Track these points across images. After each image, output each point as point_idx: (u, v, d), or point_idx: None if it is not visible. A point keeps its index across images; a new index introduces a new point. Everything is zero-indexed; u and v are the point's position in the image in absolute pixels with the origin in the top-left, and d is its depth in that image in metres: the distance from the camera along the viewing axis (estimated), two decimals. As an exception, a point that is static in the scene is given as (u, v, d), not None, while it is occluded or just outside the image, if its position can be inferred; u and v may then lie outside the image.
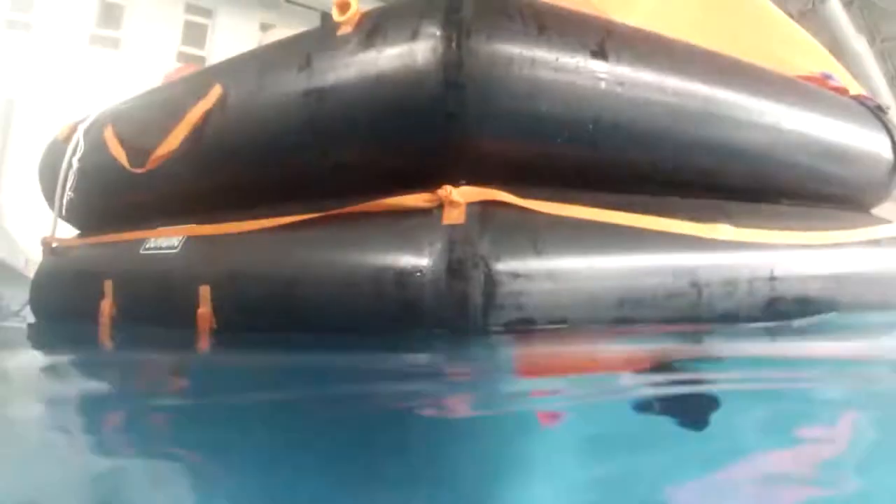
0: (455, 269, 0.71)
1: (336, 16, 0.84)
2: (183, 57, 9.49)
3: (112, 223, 1.24)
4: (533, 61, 0.79)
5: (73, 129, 1.33)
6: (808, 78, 1.31)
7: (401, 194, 0.79)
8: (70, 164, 1.24)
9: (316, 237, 0.84)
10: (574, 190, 0.87)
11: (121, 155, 1.09)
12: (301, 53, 0.87)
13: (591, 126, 0.86)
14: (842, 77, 1.53)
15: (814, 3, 8.16)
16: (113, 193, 1.20)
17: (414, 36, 0.77)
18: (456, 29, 0.75)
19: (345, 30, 0.83)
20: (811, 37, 1.66)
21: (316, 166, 0.90)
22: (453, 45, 0.74)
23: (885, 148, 1.34)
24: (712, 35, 1.65)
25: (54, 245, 1.40)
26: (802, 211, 1.20)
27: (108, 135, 1.16)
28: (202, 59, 9.71)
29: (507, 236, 0.75)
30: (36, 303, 1.43)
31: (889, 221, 1.35)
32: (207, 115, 0.95)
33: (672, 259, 0.88)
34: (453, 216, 0.73)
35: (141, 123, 1.13)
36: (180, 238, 1.02)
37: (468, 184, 0.77)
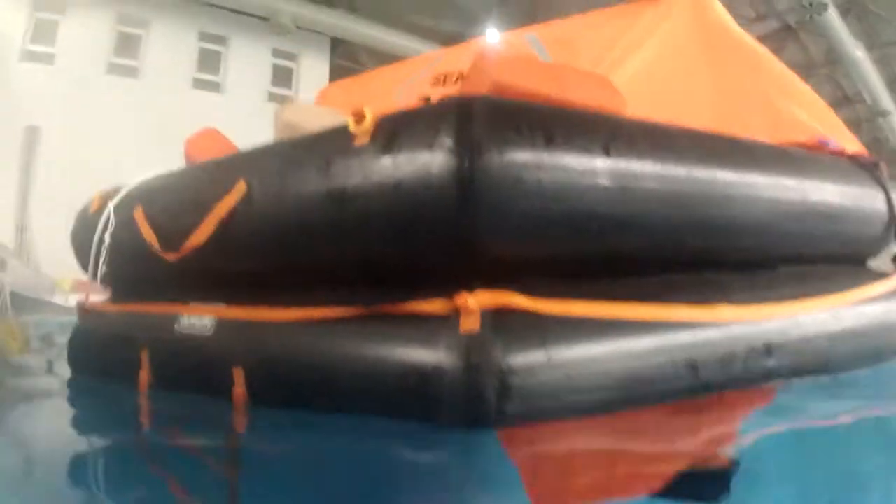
0: (472, 372, 0.78)
1: (352, 126, 0.91)
2: (199, 83, 9.75)
3: (145, 294, 1.33)
4: (541, 171, 0.85)
5: (103, 203, 1.41)
6: (805, 144, 1.36)
7: (421, 293, 0.86)
8: (102, 239, 1.32)
9: (344, 332, 0.91)
10: (581, 281, 0.94)
11: (153, 239, 1.17)
12: (321, 158, 0.94)
13: (596, 223, 0.92)
14: (839, 132, 1.58)
15: (811, 16, 8.19)
16: (145, 270, 1.28)
17: (428, 150, 0.84)
18: (468, 145, 0.81)
19: (361, 140, 0.89)
20: (809, 88, 1.71)
21: (339, 261, 0.98)
22: (466, 161, 0.81)
23: (881, 204, 1.39)
24: (713, 83, 1.72)
25: (89, 308, 1.48)
26: (799, 274, 1.25)
27: (139, 215, 1.24)
28: (217, 84, 9.97)
29: (518, 338, 0.82)
30: (74, 360, 1.51)
31: (883, 275, 1.40)
32: (233, 211, 1.03)
33: (670, 344, 0.94)
34: (468, 323, 0.80)
35: (169, 210, 1.21)
36: (213, 319, 1.10)
37: (483, 284, 0.84)
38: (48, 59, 8.72)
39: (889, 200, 1.39)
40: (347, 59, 11.58)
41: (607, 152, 0.92)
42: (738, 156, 1.15)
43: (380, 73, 2.91)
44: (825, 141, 1.38)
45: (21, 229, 8.29)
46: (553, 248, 0.91)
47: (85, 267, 1.48)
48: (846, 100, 12.36)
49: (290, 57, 10.68)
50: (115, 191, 1.44)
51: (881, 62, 10.36)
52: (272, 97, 10.48)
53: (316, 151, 0.97)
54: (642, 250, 1.01)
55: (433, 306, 0.84)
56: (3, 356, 1.86)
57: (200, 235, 1.06)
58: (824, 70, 11.11)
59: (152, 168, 1.46)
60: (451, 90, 2.31)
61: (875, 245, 1.44)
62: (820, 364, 1.17)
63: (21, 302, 3.31)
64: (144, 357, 1.21)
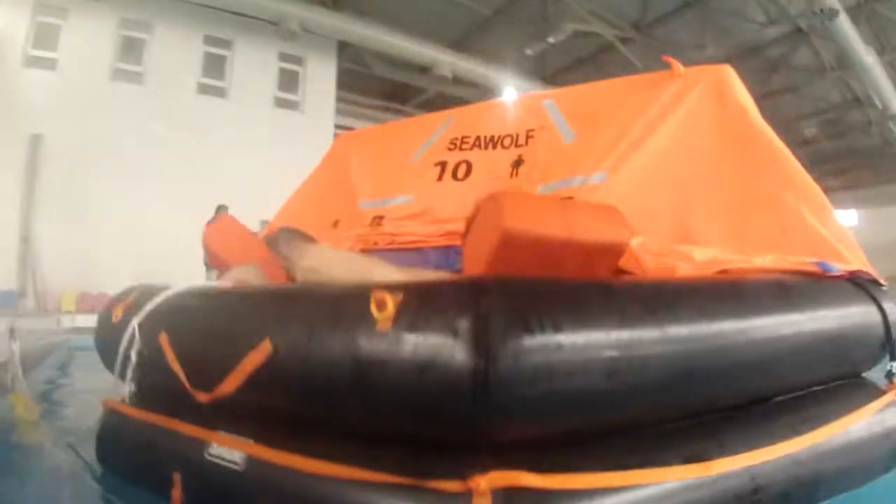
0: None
1: (374, 312, 0.97)
2: (204, 88, 9.72)
3: (172, 409, 1.38)
4: (554, 356, 0.91)
5: (126, 317, 1.45)
6: (806, 272, 1.39)
7: (438, 464, 0.93)
8: (128, 356, 1.38)
9: (367, 494, 0.98)
10: (583, 447, 1.01)
11: (181, 374, 1.23)
12: (345, 335, 1.00)
13: (603, 395, 0.98)
14: (841, 235, 1.61)
15: (822, 22, 8.10)
16: (173, 391, 1.33)
17: (446, 340, 0.90)
18: (484, 348, 0.88)
19: (384, 326, 0.96)
20: (817, 187, 1.73)
21: (361, 426, 1.04)
22: (482, 363, 0.87)
23: (877, 323, 1.43)
24: (727, 170, 1.74)
25: (116, 408, 1.54)
26: (794, 403, 1.30)
27: (164, 343, 1.30)
28: (222, 89, 9.93)
29: None
30: (103, 457, 1.59)
31: (876, 391, 1.45)
32: (260, 367, 1.09)
33: (663, 497, 1.00)
34: None
35: (195, 349, 1.25)
36: (243, 455, 1.17)
37: (495, 460, 0.91)
38: (50, 64, 8.68)
39: (885, 319, 1.43)
40: (355, 62, 11.52)
41: (616, 326, 0.98)
42: (737, 302, 1.19)
43: (394, 128, 2.95)
44: (825, 265, 1.41)
45: (25, 240, 8.35)
46: (560, 424, 0.98)
47: (109, 369, 1.54)
48: (857, 101, 12.26)
49: (297, 61, 10.63)
50: (136, 302, 1.49)
51: (893, 66, 10.25)
52: (278, 102, 10.47)
53: (340, 326, 1.02)
54: (643, 412, 1.07)
55: (448, 485, 0.91)
56: (19, 434, 1.91)
57: (228, 385, 1.13)
58: (835, 73, 11.01)
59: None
60: (467, 156, 2.32)
61: (871, 361, 1.49)
62: (810, 494, 1.23)
63: (32, 350, 3.39)
64: (177, 478, 1.29)
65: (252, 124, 9.93)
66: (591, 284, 1.05)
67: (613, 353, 0.97)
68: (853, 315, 1.39)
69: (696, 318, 1.10)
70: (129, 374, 1.39)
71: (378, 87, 13.28)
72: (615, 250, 1.33)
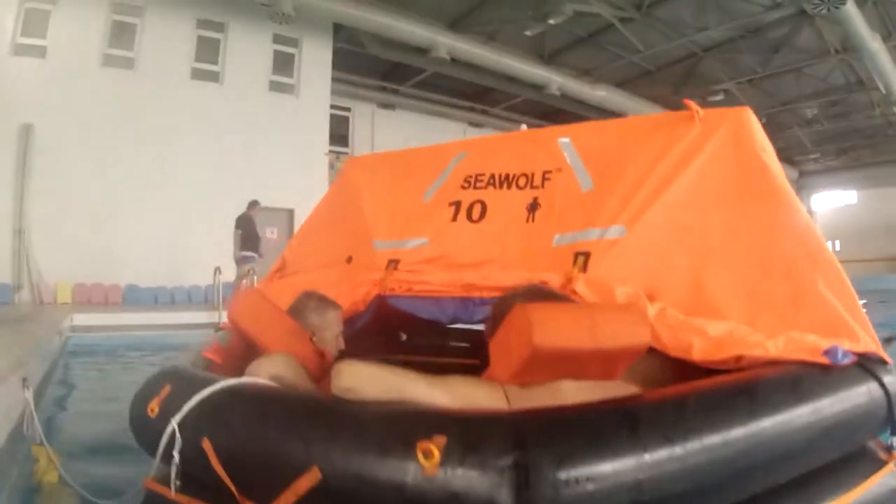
0: None
1: (421, 460, 1.03)
2: (197, 73, 9.48)
3: (215, 499, 1.44)
4: (584, 493, 0.99)
5: (164, 412, 1.47)
6: (812, 363, 1.45)
7: None
8: (172, 455, 1.41)
9: None
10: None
11: (228, 480, 1.28)
12: (394, 473, 1.06)
13: None
14: (850, 304, 1.65)
15: (829, 9, 7.96)
16: (219, 489, 1.38)
17: (490, 491, 0.99)
18: (524, 498, 0.96)
19: (431, 472, 1.03)
20: (832, 254, 1.75)
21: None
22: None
23: (880, 398, 1.50)
24: (742, 228, 1.76)
25: (160, 493, 1.59)
26: (796, 486, 1.38)
27: (208, 449, 1.34)
28: (216, 73, 9.70)
29: None
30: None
31: (877, 460, 1.53)
32: (310, 492, 1.15)
33: None
34: None
35: (242, 461, 1.29)
36: (289, 557, 1.25)
37: None
38: (39, 52, 8.43)
39: (888, 398, 1.50)
40: (350, 44, 11.23)
41: (640, 451, 1.06)
42: (749, 408, 1.25)
43: (405, 157, 2.88)
44: (835, 355, 1.46)
45: (18, 233, 8.28)
46: None
47: (147, 452, 1.59)
48: (860, 84, 12.17)
49: (292, 43, 10.34)
50: (171, 397, 1.50)
51: (898, 50, 10.17)
52: (273, 86, 10.25)
53: (388, 465, 1.08)
54: None
55: None
56: (43, 489, 1.93)
57: (280, 504, 1.19)
58: (839, 56, 10.87)
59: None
60: (482, 195, 2.31)
61: (874, 434, 1.57)
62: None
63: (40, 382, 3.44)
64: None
65: (247, 108, 9.75)
66: (616, 413, 1.12)
67: (641, 476, 1.05)
68: (860, 397, 1.45)
69: (710, 430, 1.16)
70: (174, 471, 1.43)
71: (375, 67, 13.00)
72: (636, 352, 1.39)
